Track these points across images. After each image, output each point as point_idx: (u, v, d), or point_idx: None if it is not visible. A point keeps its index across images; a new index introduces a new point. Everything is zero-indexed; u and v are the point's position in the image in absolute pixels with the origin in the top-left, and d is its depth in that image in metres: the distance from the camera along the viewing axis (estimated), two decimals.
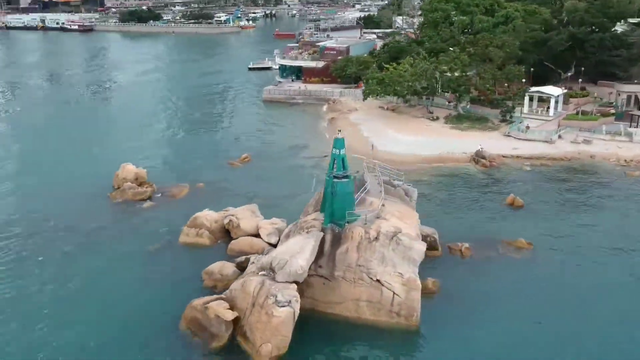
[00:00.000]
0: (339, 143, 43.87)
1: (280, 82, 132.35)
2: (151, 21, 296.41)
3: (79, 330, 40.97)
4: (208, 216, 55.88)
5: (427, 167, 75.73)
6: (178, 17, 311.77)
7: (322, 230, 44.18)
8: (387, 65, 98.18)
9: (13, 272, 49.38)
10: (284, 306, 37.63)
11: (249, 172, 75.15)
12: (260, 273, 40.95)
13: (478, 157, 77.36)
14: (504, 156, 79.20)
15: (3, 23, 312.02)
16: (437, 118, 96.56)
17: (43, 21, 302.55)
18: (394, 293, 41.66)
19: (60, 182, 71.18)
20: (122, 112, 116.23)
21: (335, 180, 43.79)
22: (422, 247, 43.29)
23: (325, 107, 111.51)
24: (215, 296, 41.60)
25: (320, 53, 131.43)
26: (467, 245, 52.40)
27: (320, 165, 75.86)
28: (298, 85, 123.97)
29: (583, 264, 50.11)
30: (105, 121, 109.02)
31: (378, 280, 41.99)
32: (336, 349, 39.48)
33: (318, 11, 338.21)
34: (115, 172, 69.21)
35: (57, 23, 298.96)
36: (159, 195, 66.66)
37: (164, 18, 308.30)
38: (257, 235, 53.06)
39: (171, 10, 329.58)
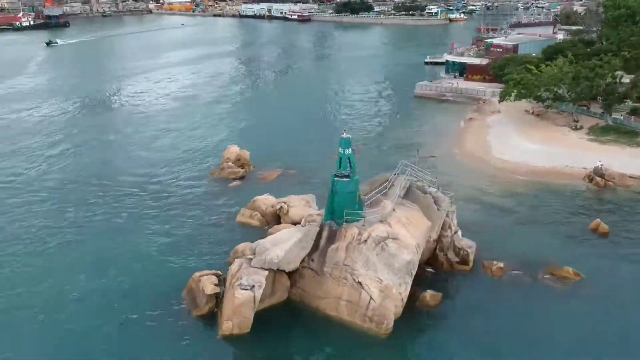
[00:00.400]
0: (344, 142, 44.47)
1: (442, 77, 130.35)
2: (363, 12, 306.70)
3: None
4: (266, 200, 59.83)
5: (532, 180, 70.34)
6: (389, 9, 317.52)
7: (321, 225, 45.38)
8: (532, 67, 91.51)
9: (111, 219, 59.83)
10: (245, 289, 40.27)
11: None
12: (248, 257, 43.87)
13: (595, 174, 69.51)
14: (631, 176, 69.91)
15: (238, 12, 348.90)
16: (581, 127, 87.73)
17: (269, 10, 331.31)
18: (370, 297, 41.58)
19: (192, 156, 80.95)
20: (285, 96, 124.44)
21: (336, 178, 44.61)
22: (407, 257, 42.29)
23: (473, 107, 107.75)
24: (212, 271, 45.50)
25: (486, 50, 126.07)
26: (500, 265, 48.97)
27: (421, 165, 75.07)
28: (451, 83, 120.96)
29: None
30: (275, 104, 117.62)
31: (359, 282, 42.21)
32: (299, 341, 40.74)
33: (546, 4, 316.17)
34: (223, 152, 76.50)
35: (281, 12, 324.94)
36: (252, 176, 72.05)
37: (376, 9, 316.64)
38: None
39: (384, 1, 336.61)
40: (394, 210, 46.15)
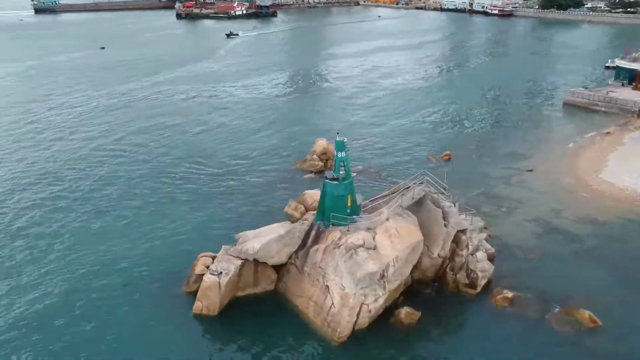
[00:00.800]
0: (338, 145, 44.42)
1: (609, 84, 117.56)
2: (571, 9, 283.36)
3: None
4: (314, 195, 61.31)
5: (626, 208, 61.93)
6: (604, 5, 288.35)
7: (312, 225, 46.08)
8: None
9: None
10: (213, 274, 42.93)
11: (434, 169, 74.80)
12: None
13: None
14: None
15: (440, 5, 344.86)
16: None
17: (471, 4, 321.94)
18: (332, 303, 41.56)
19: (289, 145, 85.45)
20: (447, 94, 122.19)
21: (327, 181, 44.84)
22: (372, 268, 41.12)
23: (622, 121, 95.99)
24: (211, 254, 48.73)
25: None
26: (509, 295, 45.05)
27: (510, 180, 70.52)
28: (612, 91, 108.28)
29: None
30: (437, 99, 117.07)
31: (327, 286, 42.38)
32: (258, 331, 42.03)
33: None
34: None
35: (482, 7, 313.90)
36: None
37: (587, 5, 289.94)
38: None
39: None
40: (387, 219, 44.82)
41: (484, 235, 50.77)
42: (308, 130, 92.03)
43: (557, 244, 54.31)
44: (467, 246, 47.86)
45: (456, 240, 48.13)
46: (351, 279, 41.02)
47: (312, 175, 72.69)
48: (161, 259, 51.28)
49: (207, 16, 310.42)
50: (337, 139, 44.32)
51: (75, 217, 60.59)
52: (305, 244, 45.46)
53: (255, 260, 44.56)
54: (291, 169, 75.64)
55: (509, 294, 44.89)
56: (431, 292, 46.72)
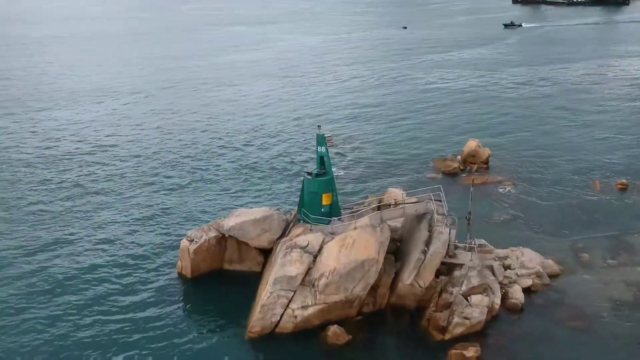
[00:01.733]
0: (318, 139, 42.00)
1: None
2: None
3: None
4: (394, 194, 58.05)
5: None
6: None
7: (294, 217, 45.08)
8: None
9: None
10: (188, 240, 45.80)
11: (595, 200, 61.26)
12: None
13: None
14: None
15: None
16: None
17: None
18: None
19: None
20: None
21: (305, 175, 43.07)
22: (289, 271, 38.66)
23: None
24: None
25: None
26: (469, 354, 37.09)
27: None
28: None
29: None
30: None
31: (267, 280, 41.69)
32: (210, 304, 43.27)
33: None
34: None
35: None
36: (463, 175, 67.46)
37: None
38: None
39: None
40: (355, 228, 40.88)
41: (527, 280, 41.69)
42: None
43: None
44: (461, 284, 40.16)
45: (450, 275, 40.83)
46: (274, 277, 39.32)
47: (436, 175, 67.31)
48: None
49: (544, 1, 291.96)
50: (318, 132, 41.74)
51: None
52: (284, 234, 44.54)
53: (236, 239, 45.49)
54: (427, 164, 71.10)
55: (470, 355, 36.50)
56: (393, 321, 40.91)
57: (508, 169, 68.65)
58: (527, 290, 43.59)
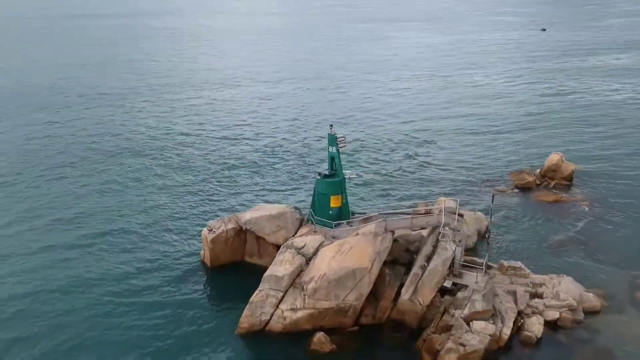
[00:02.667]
0: (329, 139, 40.64)
1: None
2: None
3: None
4: (444, 201, 55.05)
5: None
6: None
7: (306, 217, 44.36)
8: None
9: None
10: (207, 229, 46.60)
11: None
12: None
13: None
14: None
15: None
16: None
17: None
18: None
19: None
20: None
21: (316, 175, 42.00)
22: (276, 271, 37.98)
23: None
24: None
25: None
26: None
27: None
28: None
29: None
30: None
31: None
32: (227, 293, 43.76)
33: None
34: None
35: None
36: (539, 191, 62.14)
37: None
38: None
39: None
40: (356, 234, 39.13)
41: (554, 312, 37.72)
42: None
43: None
44: (464, 307, 36.94)
45: (454, 296, 37.72)
46: (268, 274, 38.81)
47: (506, 188, 62.44)
48: None
49: None
50: (329, 132, 40.33)
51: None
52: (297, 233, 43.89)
53: (255, 233, 45.57)
54: (503, 176, 66.27)
55: None
56: (388, 337, 38.50)
57: (591, 189, 61.83)
58: (552, 324, 38.93)
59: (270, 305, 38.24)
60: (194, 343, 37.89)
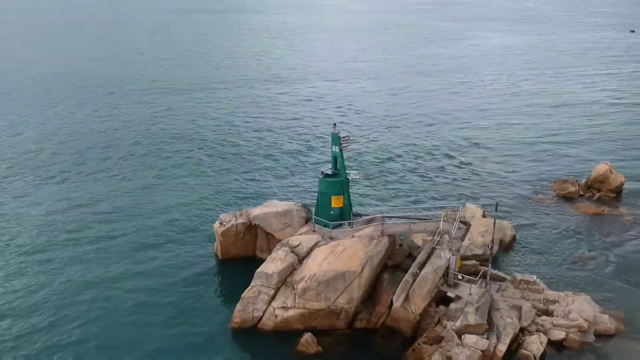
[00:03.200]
0: (332, 138, 40.02)
1: None
2: None
3: None
4: (470, 208, 53.29)
5: None
6: None
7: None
8: None
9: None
10: (218, 222, 47.12)
11: None
12: None
13: None
14: None
15: None
16: None
17: None
18: None
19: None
20: None
21: (319, 174, 41.53)
22: (267, 267, 37.94)
23: None
24: None
25: None
26: None
27: None
28: None
29: None
30: None
31: None
32: (206, 288, 43.55)
33: None
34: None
35: None
36: (581, 202, 58.80)
37: None
38: None
39: None
40: (352, 236, 38.41)
41: (560, 332, 35.71)
42: None
43: None
44: (456, 319, 35.46)
45: (447, 307, 36.33)
46: (260, 270, 38.83)
47: (544, 197, 59.42)
48: None
49: None
50: (333, 131, 39.69)
51: None
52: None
53: (264, 229, 45.70)
54: (546, 183, 63.14)
55: None
56: (380, 344, 37.51)
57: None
58: (558, 344, 36.64)
59: (263, 302, 38.16)
60: (188, 332, 38.34)
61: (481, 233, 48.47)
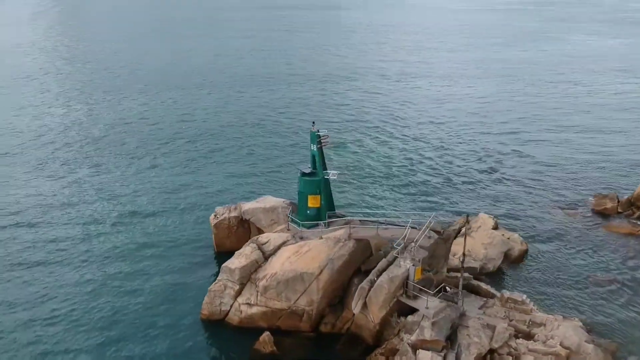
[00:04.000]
0: (311, 137, 39.11)
1: None
2: None
3: None
4: (484, 219, 50.66)
5: None
6: None
7: None
8: None
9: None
10: (213, 215, 47.63)
11: None
12: None
13: None
14: None
15: None
16: None
17: None
18: None
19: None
20: None
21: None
22: (231, 262, 37.85)
23: None
24: None
25: None
26: None
27: None
28: None
29: None
30: None
31: None
32: (192, 280, 44.11)
33: None
34: None
35: None
36: (616, 220, 54.14)
37: None
38: None
39: None
40: (320, 237, 37.47)
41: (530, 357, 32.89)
42: None
43: None
44: (412, 333, 33.73)
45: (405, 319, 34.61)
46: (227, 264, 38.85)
47: (575, 212, 55.17)
48: None
49: None
50: (312, 129, 38.80)
51: None
52: None
53: (255, 224, 45.73)
54: (585, 196, 58.59)
55: None
56: (339, 350, 36.30)
57: None
58: None
59: (229, 297, 38.13)
60: (162, 321, 38.88)
61: (484, 245, 45.79)
